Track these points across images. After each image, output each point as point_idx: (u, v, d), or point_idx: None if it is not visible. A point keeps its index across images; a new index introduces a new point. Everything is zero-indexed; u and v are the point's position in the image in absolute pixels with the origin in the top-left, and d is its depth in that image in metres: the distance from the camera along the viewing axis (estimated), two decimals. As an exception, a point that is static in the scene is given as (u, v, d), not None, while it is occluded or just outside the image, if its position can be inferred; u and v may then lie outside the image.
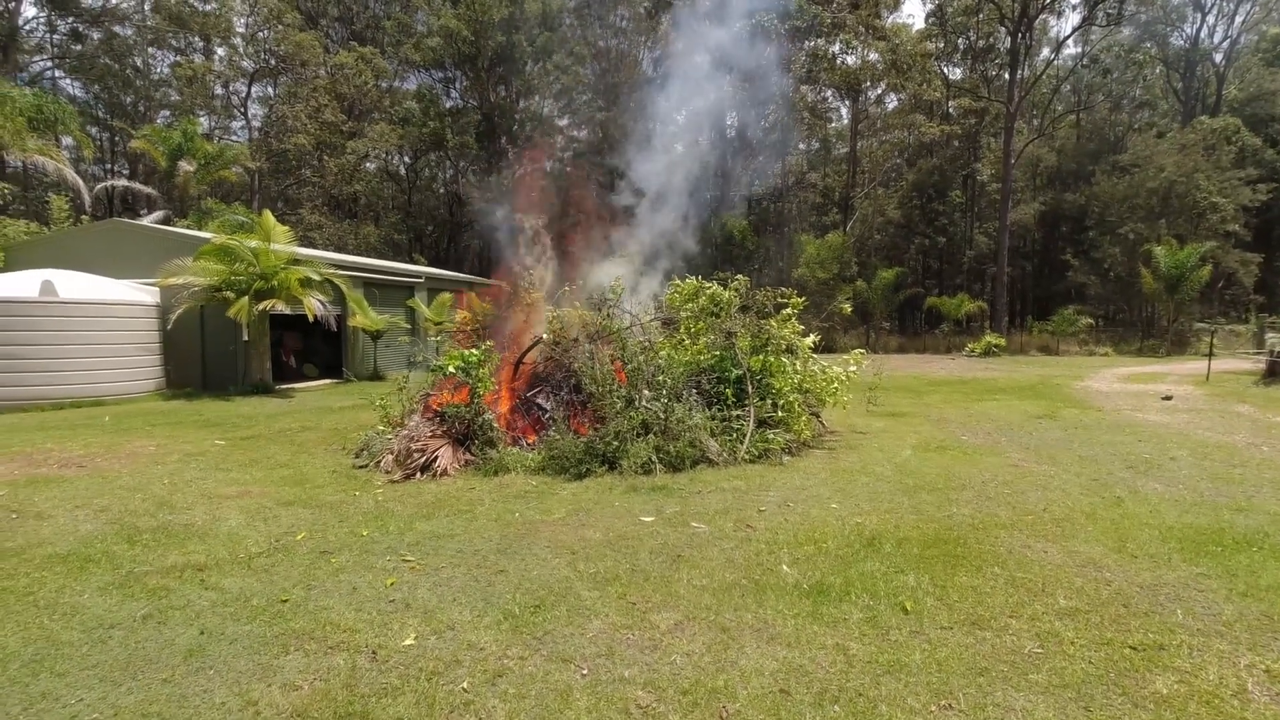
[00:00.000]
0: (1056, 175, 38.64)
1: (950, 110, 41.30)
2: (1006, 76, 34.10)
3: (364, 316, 19.71)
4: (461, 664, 3.33)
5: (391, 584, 4.33)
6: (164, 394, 14.90)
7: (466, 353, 7.67)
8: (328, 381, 18.92)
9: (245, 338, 16.08)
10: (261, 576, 4.49)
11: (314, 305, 15.58)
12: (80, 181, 21.97)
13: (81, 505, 6.20)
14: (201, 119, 40.70)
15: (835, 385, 9.09)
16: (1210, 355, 18.41)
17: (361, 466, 7.77)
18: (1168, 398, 13.16)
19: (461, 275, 28.98)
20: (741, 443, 7.76)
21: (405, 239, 43.66)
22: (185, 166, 24.35)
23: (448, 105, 43.65)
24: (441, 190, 48.22)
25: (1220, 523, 5.51)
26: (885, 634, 3.65)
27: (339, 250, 32.90)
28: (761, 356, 8.54)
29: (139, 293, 14.93)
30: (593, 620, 3.81)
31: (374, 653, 3.44)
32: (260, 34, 39.99)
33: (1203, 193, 28.18)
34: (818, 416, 9.31)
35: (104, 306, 13.80)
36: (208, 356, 16.53)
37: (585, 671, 3.27)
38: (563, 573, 4.51)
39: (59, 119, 23.70)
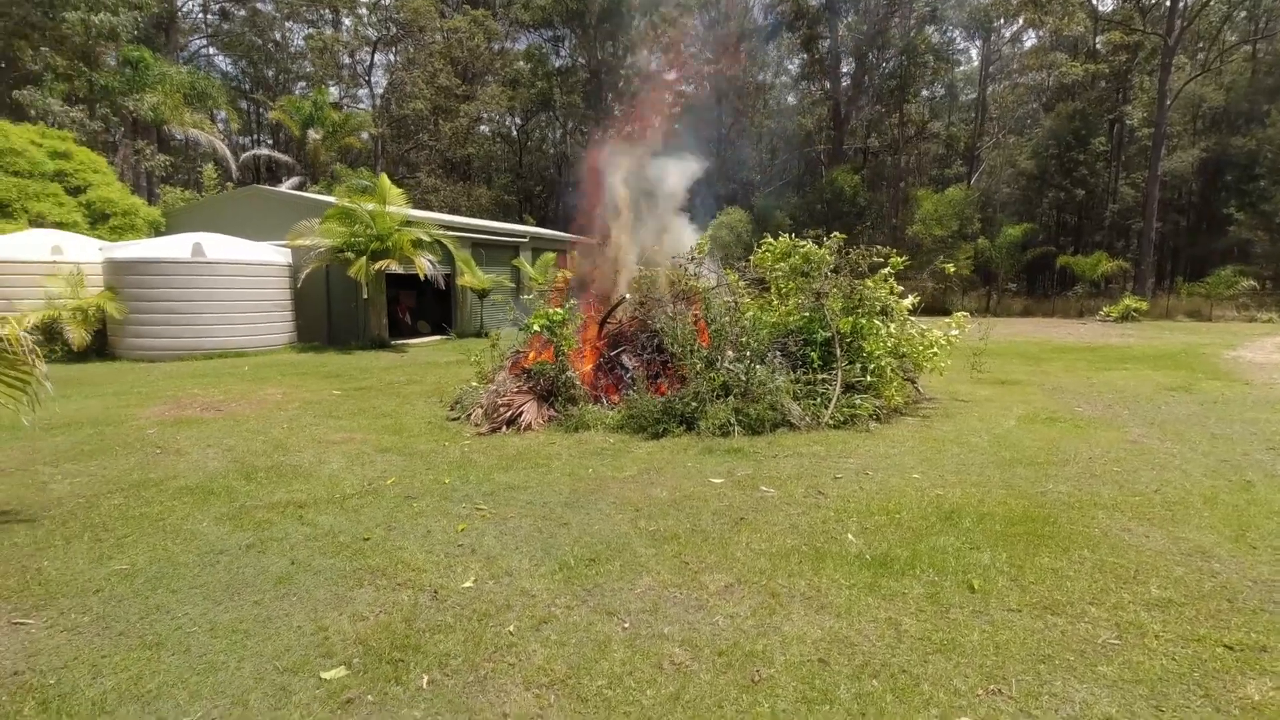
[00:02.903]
0: (1223, 117, 33.88)
1: (1097, 46, 37.05)
2: (1167, 3, 30.03)
3: (471, 276, 20.55)
4: (512, 609, 3.50)
5: (462, 529, 4.60)
6: (295, 347, 16.28)
7: (551, 311, 7.85)
8: (437, 338, 20.00)
9: (365, 296, 17.21)
10: (351, 516, 4.88)
11: (424, 265, 16.41)
12: (228, 152, 24.11)
13: (213, 445, 6.95)
14: (332, 89, 43.33)
15: (934, 350, 8.59)
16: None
17: (454, 419, 8.21)
18: (1340, 371, 11.51)
19: (565, 235, 29.50)
20: (826, 407, 7.53)
21: (515, 200, 44.85)
22: (314, 135, 26.10)
23: (556, 65, 44.02)
24: (551, 151, 48.99)
25: (1374, 516, 4.82)
26: (945, 612, 3.49)
27: (452, 212, 34.31)
28: (851, 318, 8.19)
29: (274, 253, 16.28)
30: (644, 576, 3.89)
31: (435, 592, 3.69)
32: (383, 1, 41.75)
33: None
34: (913, 382, 8.87)
35: (244, 266, 15.18)
36: (333, 313, 17.86)
37: (627, 625, 3.35)
38: (623, 529, 4.61)
39: (210, 94, 25.94)
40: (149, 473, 5.96)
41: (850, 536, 4.48)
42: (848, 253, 9.07)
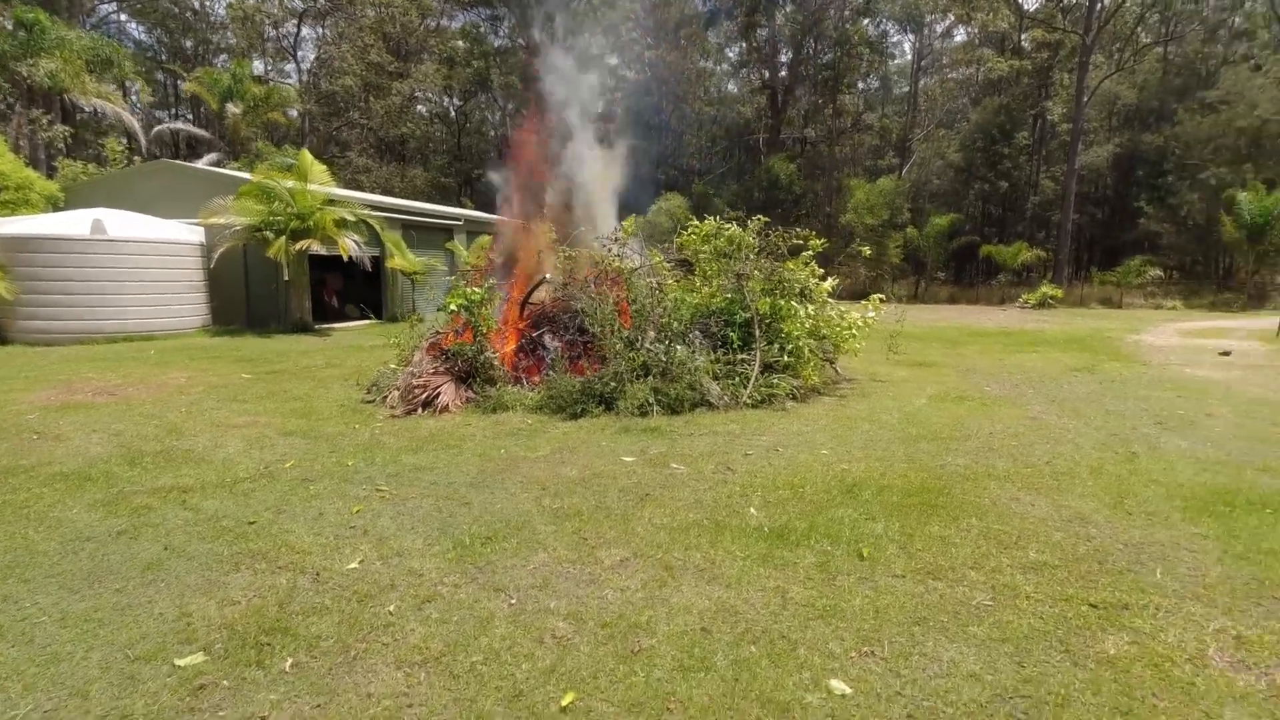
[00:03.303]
0: (1135, 114, 35.71)
1: (1023, 43, 38.45)
2: (1086, 3, 31.36)
3: (401, 258, 19.96)
4: (396, 589, 3.38)
5: (357, 511, 4.43)
6: (210, 330, 15.52)
7: (469, 291, 7.66)
8: (366, 322, 19.37)
9: (286, 277, 16.51)
10: (240, 500, 4.65)
11: (349, 246, 15.85)
12: (135, 124, 22.66)
13: (99, 430, 6.53)
14: (257, 63, 41.30)
15: (850, 331, 8.77)
16: (1286, 310, 17.07)
17: (369, 402, 7.95)
18: (1226, 353, 12.30)
19: (501, 217, 28.98)
20: (745, 387, 7.60)
21: (454, 182, 43.78)
22: (233, 109, 24.80)
23: (496, 44, 43.03)
24: (491, 134, 47.95)
25: (1240, 483, 5.14)
26: (832, 579, 3.54)
27: (385, 193, 33.22)
28: (770, 300, 8.27)
29: (186, 232, 15.43)
30: (539, 553, 3.82)
31: (317, 574, 3.53)
32: (309, -29, 39.91)
33: (1299, 132, 25.69)
34: (832, 363, 9.04)
35: (151, 244, 14.33)
36: (252, 295, 17.08)
37: (514, 601, 3.28)
38: (526, 507, 4.52)
39: (115, 61, 24.30)
40: (20, 459, 5.55)
41: (752, 510, 4.52)
42: (769, 235, 9.14)
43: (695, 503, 4.65)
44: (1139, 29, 36.69)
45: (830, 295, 9.05)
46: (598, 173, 10.64)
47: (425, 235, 22.84)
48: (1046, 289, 25.93)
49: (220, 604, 3.22)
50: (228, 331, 15.56)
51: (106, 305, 13.52)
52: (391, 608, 3.19)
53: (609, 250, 8.79)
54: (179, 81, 38.87)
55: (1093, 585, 3.48)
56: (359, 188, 34.65)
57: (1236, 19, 38.68)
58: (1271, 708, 2.55)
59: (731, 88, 48.83)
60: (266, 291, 16.99)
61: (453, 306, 7.59)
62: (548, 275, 8.30)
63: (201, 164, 24.34)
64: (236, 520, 4.26)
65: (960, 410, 7.74)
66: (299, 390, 8.72)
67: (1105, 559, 3.80)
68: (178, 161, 20.68)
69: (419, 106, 43.92)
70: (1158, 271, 27.97)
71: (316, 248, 15.67)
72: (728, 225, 9.58)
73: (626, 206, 11.17)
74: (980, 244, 31.56)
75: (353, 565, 3.63)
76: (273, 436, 6.36)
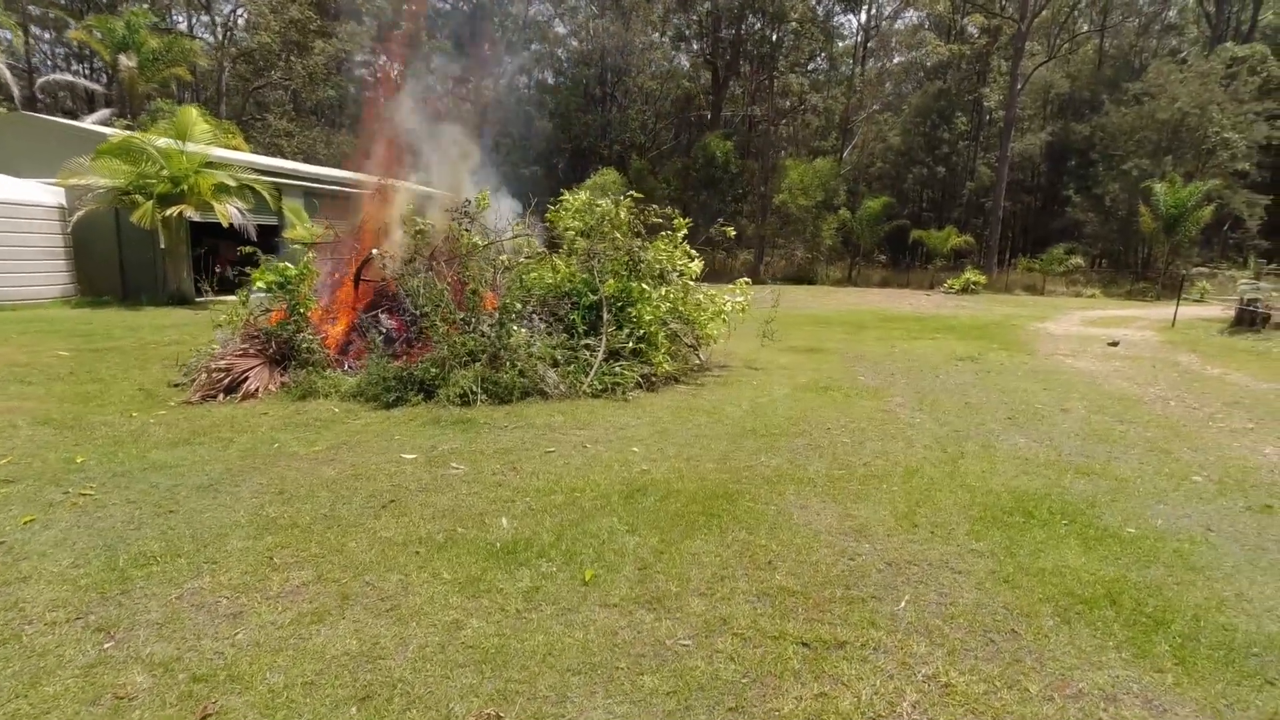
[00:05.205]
0: (1069, 103, 36.07)
1: (967, 27, 38.44)
2: (1024, -10, 31.35)
3: (301, 228, 18.84)
4: (-29, 630, 2.76)
5: (27, 522, 3.77)
6: (71, 301, 14.33)
7: (282, 266, 6.93)
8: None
9: (162, 245, 15.35)
10: (-101, 506, 3.94)
11: (228, 212, 14.75)
12: (7, 74, 20.77)
13: None
14: (179, 17, 38.67)
15: (709, 316, 8.31)
16: (1180, 301, 17.33)
17: (177, 385, 7.20)
18: (1114, 343, 12.30)
19: (423, 187, 27.80)
20: (586, 374, 7.08)
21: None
22: (126, 61, 22.97)
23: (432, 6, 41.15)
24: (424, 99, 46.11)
25: (1052, 487, 4.84)
26: (530, 610, 3.05)
27: (308, 159, 31.58)
28: (617, 281, 7.73)
29: (41, 192, 14.14)
30: (201, 578, 3.23)
31: (-111, 610, 2.89)
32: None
33: (1215, 126, 26.15)
34: (695, 349, 8.59)
35: (-5, 205, 13.05)
36: (126, 264, 15.83)
37: (109, 645, 2.70)
38: (238, 517, 3.92)
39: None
40: None
41: (504, 521, 4.00)
42: (642, 213, 8.60)
43: (445, 510, 4.12)
44: (1075, 15, 37.00)
45: (697, 278, 8.56)
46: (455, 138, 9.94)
47: (335, 203, 21.65)
48: (970, 275, 26.08)
49: None
50: (91, 303, 14.38)
51: (-65, 271, 12.27)
52: (-61, 657, 2.57)
53: (459, 224, 8.12)
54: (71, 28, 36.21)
55: (821, 618, 3.06)
56: (279, 152, 32.87)
57: (1171, 13, 39.39)
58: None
59: (684, 62, 47.90)
60: (142, 260, 15.78)
61: (260, 284, 6.85)
62: (375, 251, 7.59)
63: (89, 121, 22.59)
64: None
65: (816, 401, 7.37)
66: (110, 372, 7.88)
67: (856, 583, 3.39)
68: (33, 114, 19.01)
69: (360, 71, 41.93)
70: (1078, 260, 28.37)
71: (191, 214, 14.53)
72: (600, 202, 9.00)
73: (562, 180, 10.46)
74: (910, 228, 31.56)
75: (-54, 596, 2.99)
76: (20, 425, 5.60)
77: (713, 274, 20.85)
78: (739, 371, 8.95)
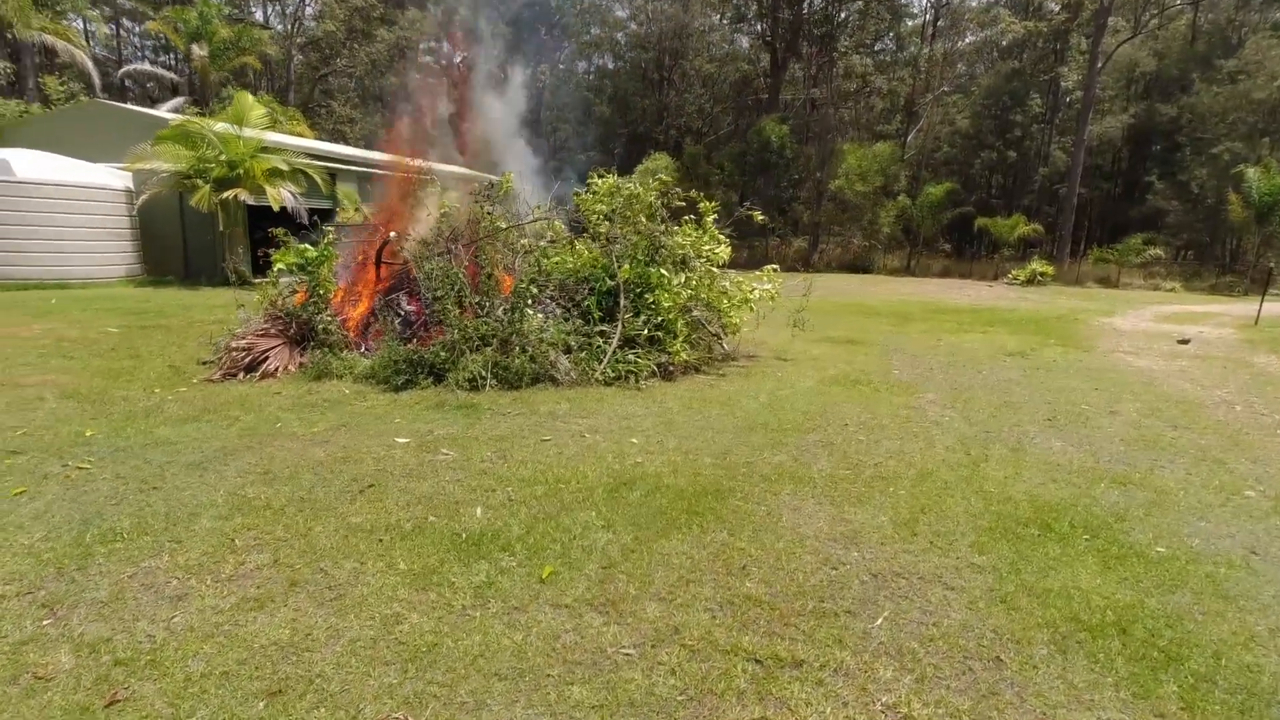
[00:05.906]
0: (1155, 83, 33.61)
1: (1045, 3, 36.25)
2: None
3: (355, 212, 19.29)
4: (-75, 600, 2.81)
5: (16, 494, 3.87)
6: (136, 280, 15.03)
7: (303, 248, 7.00)
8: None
9: (221, 228, 15.93)
10: (-91, 474, 4.11)
11: (281, 196, 15.20)
12: (89, 63, 21.89)
13: None
14: (255, 10, 40.14)
15: (735, 304, 8.02)
16: (1266, 297, 15.95)
17: (206, 363, 7.40)
18: (1184, 341, 11.37)
19: (474, 171, 28.10)
20: (599, 361, 6.92)
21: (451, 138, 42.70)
22: (198, 51, 23.92)
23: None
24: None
25: (1080, 497, 4.43)
26: (479, 605, 2.92)
27: (368, 146, 32.36)
28: (634, 267, 7.50)
29: (109, 177, 14.85)
30: (161, 557, 3.23)
31: None
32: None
33: (1321, 106, 23.93)
34: (719, 338, 8.31)
35: (66, 188, 13.77)
36: (189, 246, 16.52)
37: (48, 622, 2.70)
38: (215, 497, 3.93)
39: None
40: None
41: (478, 511, 3.89)
42: (665, 195, 8.37)
43: (422, 498, 4.04)
44: (1167, -10, 34.40)
45: (723, 264, 8.26)
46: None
47: (389, 188, 22.08)
48: (1036, 265, 24.69)
49: None
50: (155, 283, 15.07)
51: (11, 250, 13.02)
52: (-114, 627, 2.62)
53: (481, 207, 8.05)
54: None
55: (783, 632, 2.83)
56: (342, 139, 33.79)
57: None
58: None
59: (743, 43, 46.90)
60: (203, 242, 16.43)
61: (280, 266, 6.94)
62: (393, 234, 7.60)
63: (164, 109, 23.65)
64: None
65: (841, 396, 7.02)
66: (148, 348, 8.18)
67: (832, 595, 3.14)
68: (109, 102, 19.96)
69: (426, 58, 42.70)
70: (1157, 251, 26.46)
71: (246, 197, 15.01)
72: (629, 184, 8.80)
73: (620, 166, 10.27)
74: (974, 216, 30.09)
75: (-85, 565, 3.07)
76: (47, 399, 5.82)
77: (762, 260, 20.37)
78: (766, 362, 8.64)
